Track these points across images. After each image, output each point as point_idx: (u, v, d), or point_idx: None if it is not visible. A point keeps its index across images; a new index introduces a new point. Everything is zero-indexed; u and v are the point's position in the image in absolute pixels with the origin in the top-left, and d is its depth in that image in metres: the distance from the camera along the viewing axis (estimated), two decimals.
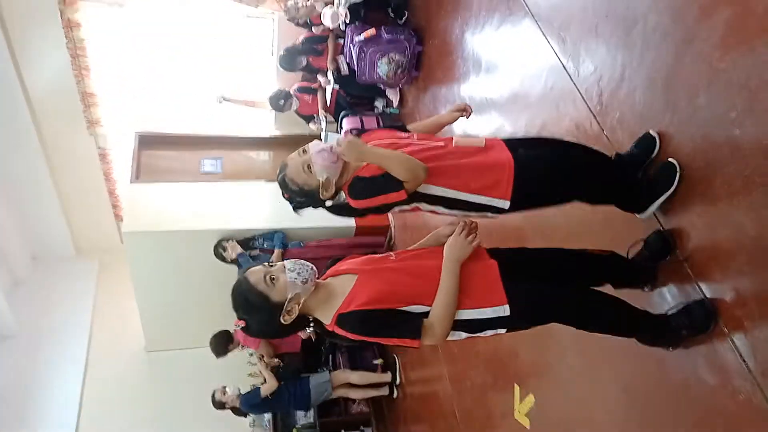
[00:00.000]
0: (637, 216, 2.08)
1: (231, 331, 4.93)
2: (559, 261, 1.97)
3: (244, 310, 1.65)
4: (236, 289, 1.65)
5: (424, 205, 1.85)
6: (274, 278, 1.60)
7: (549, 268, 1.91)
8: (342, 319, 1.60)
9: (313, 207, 1.90)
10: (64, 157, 5.91)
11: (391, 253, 1.84)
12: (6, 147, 5.51)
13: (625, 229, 2.17)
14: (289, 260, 1.66)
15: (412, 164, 1.72)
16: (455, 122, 2.13)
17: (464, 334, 1.68)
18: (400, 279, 1.67)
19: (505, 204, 1.81)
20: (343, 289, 1.65)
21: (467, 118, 2.13)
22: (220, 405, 4.83)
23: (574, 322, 1.83)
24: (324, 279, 1.76)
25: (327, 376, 5.04)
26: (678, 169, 1.92)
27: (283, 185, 1.86)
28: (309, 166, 1.79)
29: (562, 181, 1.89)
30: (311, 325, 1.71)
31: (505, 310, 1.64)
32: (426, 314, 1.60)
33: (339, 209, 1.91)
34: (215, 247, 4.95)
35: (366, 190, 1.80)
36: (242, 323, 1.66)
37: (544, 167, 1.87)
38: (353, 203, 1.84)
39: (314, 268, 1.68)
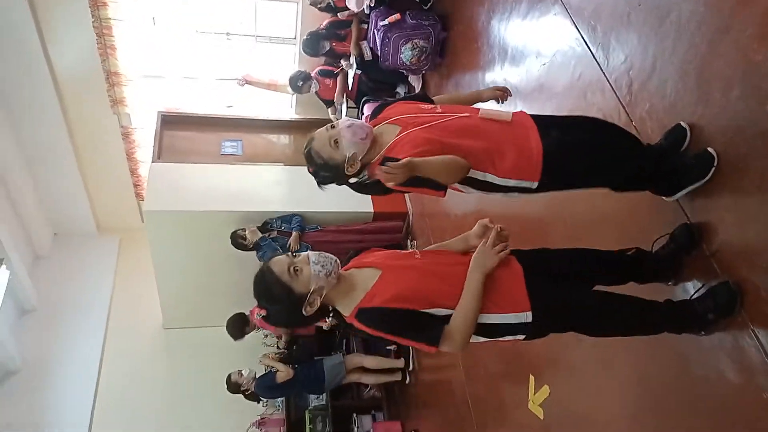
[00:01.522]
0: (664, 199, 2.04)
1: (247, 314, 4.98)
2: (582, 261, 1.95)
3: (266, 299, 1.65)
4: (259, 278, 1.64)
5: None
6: (298, 269, 1.59)
7: (572, 269, 1.90)
8: (362, 314, 1.59)
9: (336, 183, 1.89)
10: (87, 135, 5.99)
11: (417, 250, 1.82)
12: (31, 124, 5.59)
13: (650, 220, 2.15)
14: (313, 252, 1.66)
15: (456, 167, 1.69)
16: (487, 102, 2.11)
17: (482, 338, 1.68)
18: (425, 279, 1.65)
19: (533, 185, 1.79)
20: (365, 284, 1.64)
21: (501, 102, 2.11)
22: (235, 387, 4.88)
23: (594, 331, 1.83)
24: (346, 270, 1.74)
25: (340, 358, 5.07)
26: (715, 160, 1.87)
27: (309, 158, 1.84)
28: (336, 141, 1.78)
29: (591, 168, 1.87)
30: (331, 315, 1.71)
31: (527, 317, 1.64)
32: (447, 317, 1.58)
33: (360, 187, 1.91)
34: (232, 237, 4.96)
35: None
36: (263, 312, 1.67)
37: (575, 153, 1.83)
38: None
39: (338, 261, 1.67)
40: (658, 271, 2.04)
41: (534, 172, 1.77)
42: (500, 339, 1.69)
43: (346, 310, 1.63)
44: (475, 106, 1.98)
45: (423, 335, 1.58)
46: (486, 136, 1.79)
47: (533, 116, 1.89)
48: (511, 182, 1.79)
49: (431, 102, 1.99)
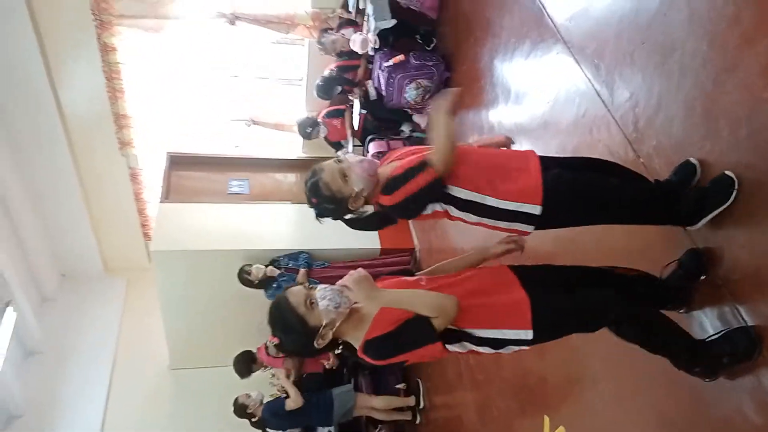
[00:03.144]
0: (687, 228, 1.99)
1: (254, 352, 4.92)
2: (587, 280, 1.93)
3: (280, 329, 1.68)
4: (275, 307, 1.67)
5: (452, 210, 1.82)
6: (314, 302, 1.63)
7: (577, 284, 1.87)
8: (368, 346, 1.61)
9: (334, 217, 1.91)
10: (95, 177, 6.06)
11: (423, 277, 1.83)
12: (40, 165, 5.66)
13: (661, 253, 2.12)
14: (321, 287, 1.68)
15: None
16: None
17: (490, 350, 1.69)
18: None
19: (536, 209, 1.74)
20: (372, 313, 1.65)
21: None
22: (242, 409, 4.73)
23: (600, 323, 1.81)
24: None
25: (350, 386, 4.97)
26: (736, 183, 1.82)
27: (314, 189, 1.83)
28: (345, 175, 1.80)
29: (599, 203, 1.85)
30: (340, 347, 1.72)
31: (527, 335, 1.65)
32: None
33: (356, 222, 1.95)
34: (239, 273, 4.95)
35: (403, 208, 1.84)
36: (276, 340, 1.70)
37: (577, 190, 1.82)
38: (388, 199, 1.83)
39: (348, 295, 1.68)
40: (667, 298, 2.02)
41: (535, 195, 1.74)
42: (503, 350, 1.71)
43: (357, 342, 1.66)
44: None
45: (419, 340, 1.59)
46: (490, 158, 1.86)
47: (541, 157, 1.89)
48: (512, 205, 1.76)
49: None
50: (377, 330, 1.60)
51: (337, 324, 1.65)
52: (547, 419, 3.02)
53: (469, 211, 1.81)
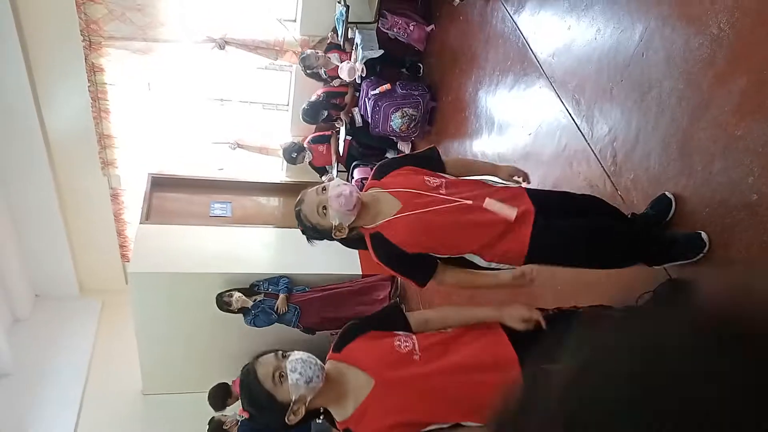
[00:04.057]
0: (649, 266, 2.08)
1: (229, 384, 4.83)
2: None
3: (248, 403, 1.56)
4: (244, 377, 1.56)
5: (441, 265, 1.86)
6: (283, 375, 1.49)
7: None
8: None
9: (327, 239, 1.91)
10: (76, 196, 5.98)
11: (416, 349, 1.59)
12: (19, 182, 5.58)
13: (637, 281, 2.16)
14: (293, 357, 1.52)
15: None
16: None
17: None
18: (422, 400, 1.51)
19: (516, 268, 1.81)
20: (356, 395, 1.53)
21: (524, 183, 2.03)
22: (217, 427, 4.60)
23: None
24: (337, 358, 1.63)
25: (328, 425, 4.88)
26: (706, 247, 1.94)
27: (298, 218, 1.87)
28: (324, 207, 1.78)
29: (580, 254, 1.90)
30: (321, 417, 1.61)
31: None
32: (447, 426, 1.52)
33: (351, 243, 1.93)
34: (217, 300, 4.89)
35: (392, 262, 1.83)
36: (246, 414, 1.59)
37: (563, 243, 1.85)
38: (373, 255, 1.85)
39: (322, 366, 1.55)
40: None
41: (518, 259, 1.80)
42: None
43: (338, 416, 1.55)
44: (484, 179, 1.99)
45: None
46: (480, 234, 1.80)
47: (534, 196, 1.88)
48: (497, 266, 1.84)
49: (441, 167, 1.95)
50: (364, 424, 1.50)
51: (309, 398, 1.50)
52: None
53: (456, 265, 1.86)
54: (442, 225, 1.78)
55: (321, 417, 1.59)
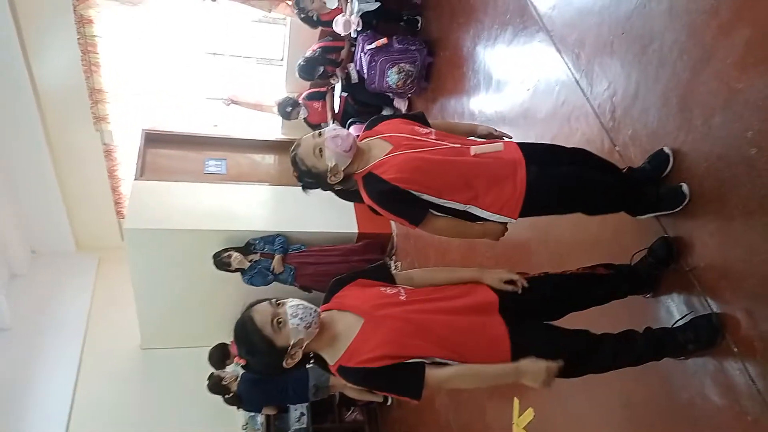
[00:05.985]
0: (632, 217, 2.10)
1: (228, 344, 4.88)
2: (561, 295, 1.91)
3: (245, 350, 1.61)
4: (240, 327, 1.60)
5: (433, 212, 1.86)
6: (281, 322, 1.55)
7: (554, 296, 1.88)
8: (343, 371, 1.58)
9: (321, 189, 1.93)
10: (68, 152, 5.91)
11: (401, 290, 1.72)
12: (11, 139, 5.50)
13: (633, 240, 2.17)
14: (292, 303, 1.60)
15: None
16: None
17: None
18: (405, 333, 1.59)
19: (512, 221, 1.84)
20: (347, 334, 1.61)
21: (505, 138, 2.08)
22: (217, 383, 4.67)
23: (573, 374, 1.77)
24: (327, 309, 1.71)
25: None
26: (686, 199, 1.96)
27: (294, 163, 1.89)
28: (321, 150, 1.81)
29: (571, 200, 1.92)
30: (311, 361, 1.67)
31: None
32: (428, 362, 1.57)
33: (346, 194, 1.95)
34: (215, 260, 4.89)
35: (383, 200, 1.82)
36: (243, 362, 1.63)
37: (557, 188, 1.88)
38: (366, 197, 1.85)
39: (318, 310, 1.63)
40: (636, 285, 2.06)
41: (514, 209, 1.80)
42: None
43: (330, 359, 1.62)
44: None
45: (405, 390, 1.58)
46: (473, 172, 1.81)
47: (523, 146, 1.91)
48: (492, 216, 1.83)
49: (427, 125, 2.01)
50: (355, 358, 1.55)
51: (306, 343, 1.58)
52: (516, 401, 3.07)
53: (450, 215, 1.85)
54: (435, 163, 1.79)
55: (311, 361, 1.66)
